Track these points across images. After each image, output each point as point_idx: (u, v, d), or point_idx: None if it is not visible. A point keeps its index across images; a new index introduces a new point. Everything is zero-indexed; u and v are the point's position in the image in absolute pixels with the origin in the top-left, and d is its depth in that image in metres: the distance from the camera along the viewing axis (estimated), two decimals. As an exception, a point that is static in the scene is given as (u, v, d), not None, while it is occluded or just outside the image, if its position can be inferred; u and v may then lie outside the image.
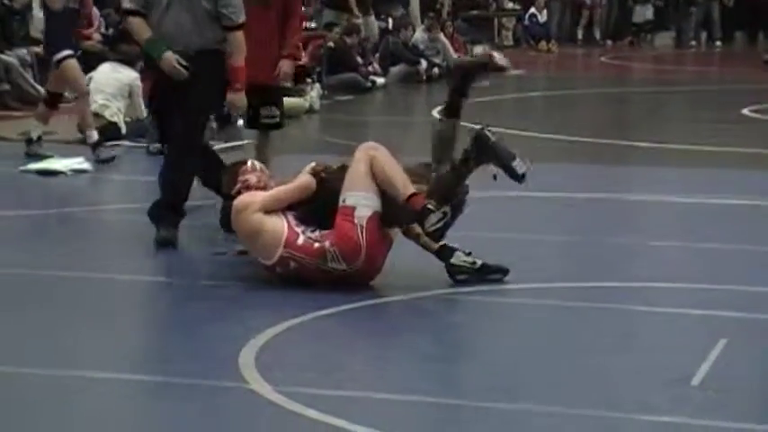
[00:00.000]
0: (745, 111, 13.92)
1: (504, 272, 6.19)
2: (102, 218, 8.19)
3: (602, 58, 22.87)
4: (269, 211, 6.05)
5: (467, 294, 6.03)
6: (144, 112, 11.42)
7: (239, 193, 6.18)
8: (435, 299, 6.01)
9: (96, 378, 4.77)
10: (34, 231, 7.66)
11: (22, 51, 13.53)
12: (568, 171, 9.87)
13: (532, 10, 24.11)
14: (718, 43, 24.66)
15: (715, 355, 5.04)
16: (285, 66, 7.69)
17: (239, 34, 6.91)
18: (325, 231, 6.00)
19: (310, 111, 13.66)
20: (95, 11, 14.37)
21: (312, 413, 4.34)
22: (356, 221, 5.99)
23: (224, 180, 6.36)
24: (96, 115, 10.98)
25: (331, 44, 15.93)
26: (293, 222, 6.05)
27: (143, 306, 6.07)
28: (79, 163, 9.62)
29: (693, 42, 25.04)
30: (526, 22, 24.28)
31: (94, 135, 10.09)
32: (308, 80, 14.71)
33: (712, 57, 23.49)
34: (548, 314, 5.84)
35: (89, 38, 13.75)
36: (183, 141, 6.89)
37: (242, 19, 6.92)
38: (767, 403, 4.60)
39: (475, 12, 23.54)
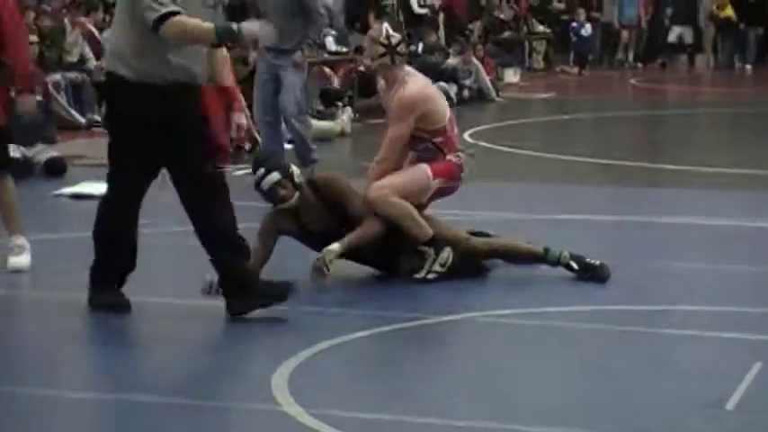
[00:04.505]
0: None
1: None
2: (141, 241, 8.20)
3: (633, 81, 22.82)
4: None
5: (498, 317, 6.01)
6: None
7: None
8: (467, 322, 5.99)
9: (131, 400, 4.78)
10: (68, 254, 7.68)
11: (56, 77, 13.62)
12: (598, 194, 9.85)
13: (574, 24, 23.93)
14: (749, 66, 24.50)
15: (750, 378, 5.00)
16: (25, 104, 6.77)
17: None
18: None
19: (342, 134, 13.71)
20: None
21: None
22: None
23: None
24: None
25: (361, 68, 15.97)
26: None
27: (176, 328, 6.06)
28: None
29: (726, 64, 24.87)
30: (573, 39, 24.06)
31: None
32: (340, 104, 14.77)
33: (744, 79, 23.38)
34: (580, 337, 5.82)
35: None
36: None
37: None
38: (803, 427, 4.57)
39: (506, 34, 23.53)
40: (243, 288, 5.86)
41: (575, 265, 6.66)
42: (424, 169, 6.69)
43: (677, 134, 15.35)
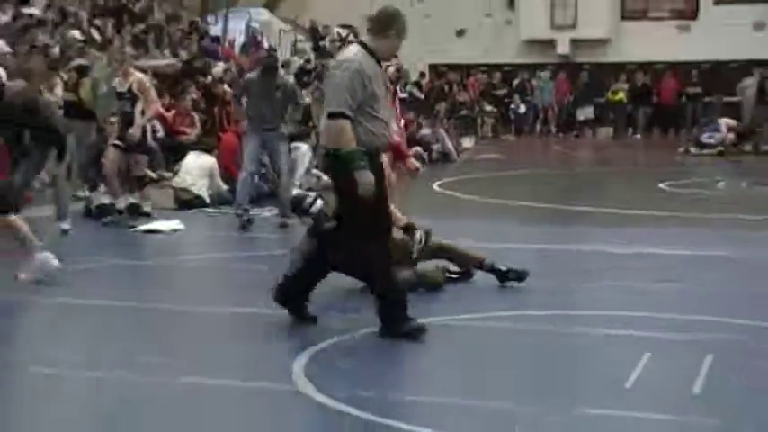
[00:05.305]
0: (662, 185, 13.93)
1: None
2: (196, 265, 8.20)
3: (556, 147, 22.92)
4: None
5: (459, 321, 5.99)
6: (222, 187, 11.50)
7: None
8: (436, 325, 5.93)
9: (186, 382, 4.75)
10: (145, 276, 7.67)
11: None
12: (531, 228, 9.85)
13: (513, 105, 25.21)
14: (638, 136, 24.73)
15: (642, 364, 5.01)
16: None
17: None
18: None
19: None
20: (194, 115, 14.35)
21: (353, 411, 4.26)
22: None
23: None
24: (187, 191, 11.14)
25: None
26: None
27: (222, 327, 6.03)
28: (177, 224, 9.67)
29: (620, 135, 25.04)
30: (512, 116, 25.16)
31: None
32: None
33: (636, 146, 23.46)
34: (513, 336, 5.79)
35: (186, 134, 13.82)
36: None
37: None
38: (683, 401, 4.56)
39: (463, 112, 23.92)
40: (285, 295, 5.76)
41: (503, 268, 6.82)
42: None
43: (587, 185, 15.39)
